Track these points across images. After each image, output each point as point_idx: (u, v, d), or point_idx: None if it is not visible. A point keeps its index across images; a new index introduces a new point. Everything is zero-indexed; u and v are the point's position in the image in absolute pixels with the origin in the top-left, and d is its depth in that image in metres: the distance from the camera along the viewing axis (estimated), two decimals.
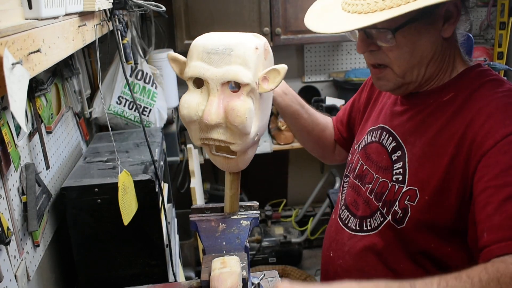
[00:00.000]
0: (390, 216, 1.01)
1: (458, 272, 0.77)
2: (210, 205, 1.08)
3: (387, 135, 1.08)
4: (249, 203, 1.07)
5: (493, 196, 0.83)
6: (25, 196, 1.17)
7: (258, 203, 1.08)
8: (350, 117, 1.33)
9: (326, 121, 1.38)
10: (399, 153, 1.03)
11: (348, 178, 1.20)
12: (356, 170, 1.15)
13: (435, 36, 0.95)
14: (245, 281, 0.89)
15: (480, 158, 0.87)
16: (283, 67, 0.88)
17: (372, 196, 1.07)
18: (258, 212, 1.07)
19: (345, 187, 1.21)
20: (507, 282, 0.73)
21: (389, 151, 1.06)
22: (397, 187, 1.01)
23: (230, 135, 0.89)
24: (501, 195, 0.82)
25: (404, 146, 1.02)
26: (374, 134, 1.13)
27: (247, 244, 1.00)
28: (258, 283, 1.06)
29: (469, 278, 0.75)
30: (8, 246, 1.05)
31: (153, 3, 1.52)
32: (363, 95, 1.28)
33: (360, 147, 1.18)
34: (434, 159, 0.95)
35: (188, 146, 2.58)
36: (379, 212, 1.04)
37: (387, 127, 1.09)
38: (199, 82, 0.90)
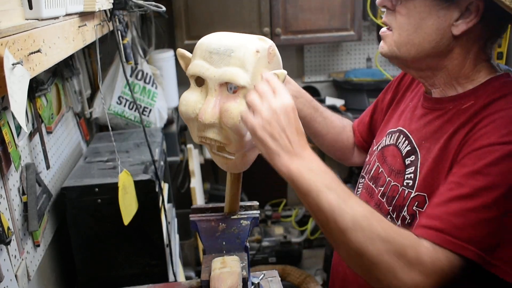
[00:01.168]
0: (399, 222, 0.99)
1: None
2: (210, 205, 1.08)
3: (404, 138, 1.06)
4: (249, 203, 1.08)
5: (451, 190, 0.85)
6: (26, 196, 1.17)
7: (258, 203, 1.08)
8: (372, 119, 1.30)
9: (343, 123, 1.35)
10: (412, 157, 1.01)
11: (363, 180, 1.18)
12: (372, 172, 1.14)
13: (443, 26, 0.92)
14: (245, 281, 0.89)
15: (465, 155, 0.87)
16: (281, 72, 0.88)
17: (384, 199, 1.05)
18: (258, 212, 1.07)
19: (359, 187, 1.19)
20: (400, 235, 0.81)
21: (403, 154, 1.04)
22: (406, 192, 0.99)
23: (224, 135, 0.89)
24: (456, 192, 0.84)
25: (418, 151, 1.00)
26: (392, 137, 1.11)
27: (247, 244, 1.00)
28: (258, 283, 1.06)
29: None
30: (8, 246, 1.05)
31: (153, 3, 1.52)
32: (387, 96, 1.26)
33: (378, 149, 1.16)
34: (442, 165, 0.93)
35: (188, 146, 2.58)
36: (389, 216, 1.02)
37: (405, 130, 1.07)
38: (200, 81, 0.90)
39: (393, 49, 0.99)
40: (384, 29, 1.01)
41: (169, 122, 2.47)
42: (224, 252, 0.96)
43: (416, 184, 0.97)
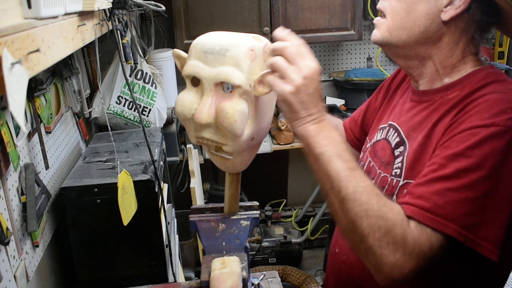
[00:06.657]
0: None
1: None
2: (210, 205, 1.08)
3: (393, 131, 1.09)
4: (249, 203, 1.07)
5: (435, 171, 0.88)
6: (25, 196, 1.17)
7: (258, 203, 1.08)
8: (365, 118, 1.33)
9: (336, 123, 1.38)
10: (401, 148, 1.04)
11: None
12: (364, 167, 1.16)
13: (433, 11, 0.96)
14: (245, 282, 0.89)
15: (449, 138, 0.90)
16: None
17: None
18: (258, 212, 1.06)
19: None
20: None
21: (393, 146, 1.07)
22: (395, 181, 1.02)
23: (221, 135, 0.88)
24: (439, 173, 0.87)
25: (406, 142, 1.03)
26: (383, 132, 1.14)
27: (247, 245, 0.99)
28: (258, 284, 1.06)
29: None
30: (7, 247, 1.05)
31: (152, 2, 1.52)
32: (380, 96, 1.29)
33: (370, 145, 1.19)
34: (427, 151, 0.96)
35: (188, 146, 2.58)
36: None
37: (394, 123, 1.10)
38: (196, 81, 0.90)
39: (385, 34, 1.02)
40: (378, 17, 1.06)
41: (169, 122, 2.46)
42: (224, 252, 0.95)
43: (403, 173, 1.00)
